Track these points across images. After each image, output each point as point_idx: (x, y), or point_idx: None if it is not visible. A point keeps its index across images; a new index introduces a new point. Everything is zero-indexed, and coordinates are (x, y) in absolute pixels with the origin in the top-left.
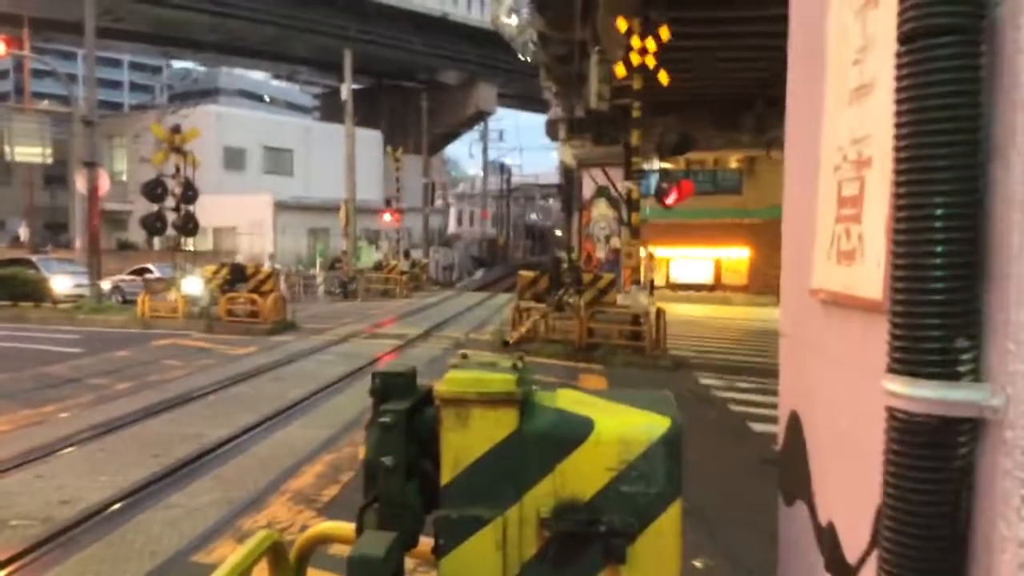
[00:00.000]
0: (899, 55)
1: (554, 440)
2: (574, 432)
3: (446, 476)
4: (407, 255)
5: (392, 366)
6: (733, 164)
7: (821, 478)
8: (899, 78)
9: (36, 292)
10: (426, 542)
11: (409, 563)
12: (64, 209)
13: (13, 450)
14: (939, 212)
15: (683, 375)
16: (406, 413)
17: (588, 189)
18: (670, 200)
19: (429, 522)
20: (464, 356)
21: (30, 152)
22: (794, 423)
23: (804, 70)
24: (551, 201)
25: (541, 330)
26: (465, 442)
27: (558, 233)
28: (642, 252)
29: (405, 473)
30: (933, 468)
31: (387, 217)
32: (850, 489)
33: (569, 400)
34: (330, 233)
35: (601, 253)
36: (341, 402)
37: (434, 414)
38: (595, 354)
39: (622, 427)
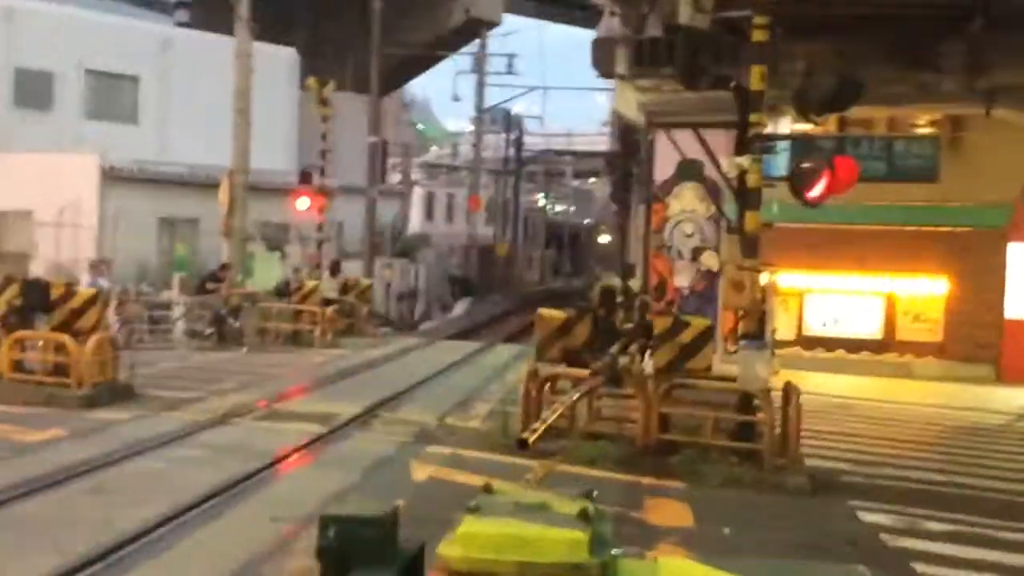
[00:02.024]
0: None
1: None
2: None
3: None
4: (335, 271)
5: (344, 498)
6: (924, 129)
7: None
8: None
9: None
10: None
11: None
12: None
13: None
14: None
15: (829, 505)
16: None
17: (665, 165)
18: (815, 191)
19: None
20: (488, 489)
21: None
22: None
23: None
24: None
25: (579, 417)
26: None
27: (604, 239)
28: (762, 280)
29: None
30: None
31: (303, 203)
32: None
33: None
34: (200, 228)
35: (684, 279)
36: (221, 548)
37: None
38: (672, 461)
39: None
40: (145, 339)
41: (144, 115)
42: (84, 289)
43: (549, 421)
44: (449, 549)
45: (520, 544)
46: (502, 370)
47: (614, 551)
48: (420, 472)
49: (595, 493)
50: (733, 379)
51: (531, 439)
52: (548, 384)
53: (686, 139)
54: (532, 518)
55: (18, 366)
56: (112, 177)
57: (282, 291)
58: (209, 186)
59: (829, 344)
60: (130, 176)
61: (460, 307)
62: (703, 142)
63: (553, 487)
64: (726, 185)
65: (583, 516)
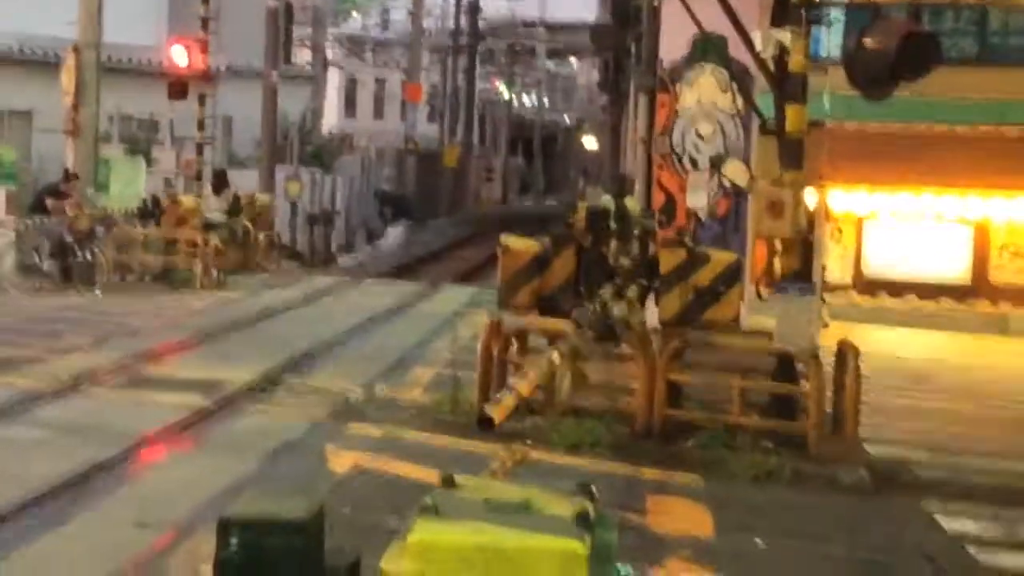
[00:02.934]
0: None
1: None
2: None
3: None
4: (220, 184)
5: (240, 495)
6: None
7: None
8: None
9: None
10: None
11: None
12: None
13: None
14: None
15: (897, 507)
16: None
17: (675, 40)
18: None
19: None
20: (448, 482)
21: None
22: None
23: None
24: (576, 65)
25: (558, 386)
26: None
27: (589, 143)
28: (807, 200)
29: None
30: None
31: (176, 90)
32: None
33: None
34: (33, 124)
35: (701, 198)
36: (66, 565)
37: None
38: (685, 447)
39: None
40: None
41: None
42: None
43: (517, 392)
44: (396, 563)
45: (495, 557)
46: (451, 321)
47: (622, 570)
48: (340, 461)
49: (595, 489)
50: (768, 335)
51: (496, 415)
52: (515, 341)
53: (704, 4)
54: (511, 521)
55: None
56: None
57: (148, 212)
58: (46, 65)
59: (897, 289)
60: None
61: (393, 235)
62: (728, 8)
63: (527, 482)
64: (759, 69)
65: (581, 519)
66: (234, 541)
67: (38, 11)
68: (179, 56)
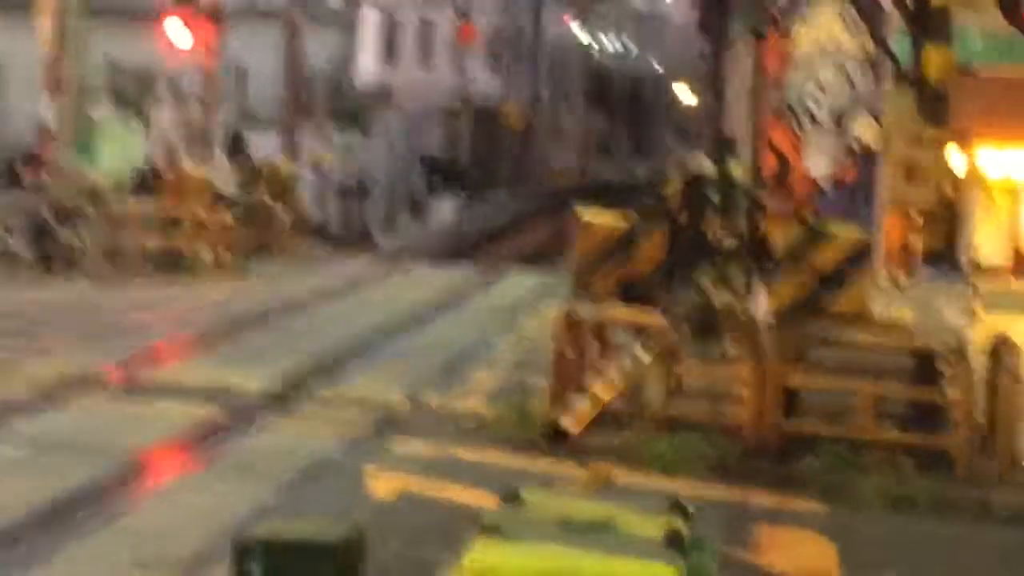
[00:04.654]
0: None
1: None
2: None
3: None
4: (235, 149)
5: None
6: None
7: None
8: None
9: None
10: None
11: None
12: None
13: None
14: None
15: None
16: None
17: None
18: None
19: None
20: (511, 498)
21: None
22: None
23: None
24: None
25: (648, 392)
26: None
27: (685, 97)
28: (953, 163)
29: None
30: None
31: (178, 34)
32: None
33: None
34: (5, 78)
35: (822, 163)
36: None
37: None
38: (803, 467)
39: None
40: None
41: None
42: None
43: (597, 399)
44: None
45: None
46: (516, 314)
47: None
48: (382, 485)
49: (690, 507)
50: (906, 329)
51: (572, 427)
52: (595, 337)
53: None
54: (588, 543)
55: None
56: None
57: (146, 184)
58: (19, 8)
59: None
60: None
61: (443, 209)
62: None
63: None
64: (893, 3)
65: (673, 541)
66: (254, 567)
67: None
68: (178, 37)
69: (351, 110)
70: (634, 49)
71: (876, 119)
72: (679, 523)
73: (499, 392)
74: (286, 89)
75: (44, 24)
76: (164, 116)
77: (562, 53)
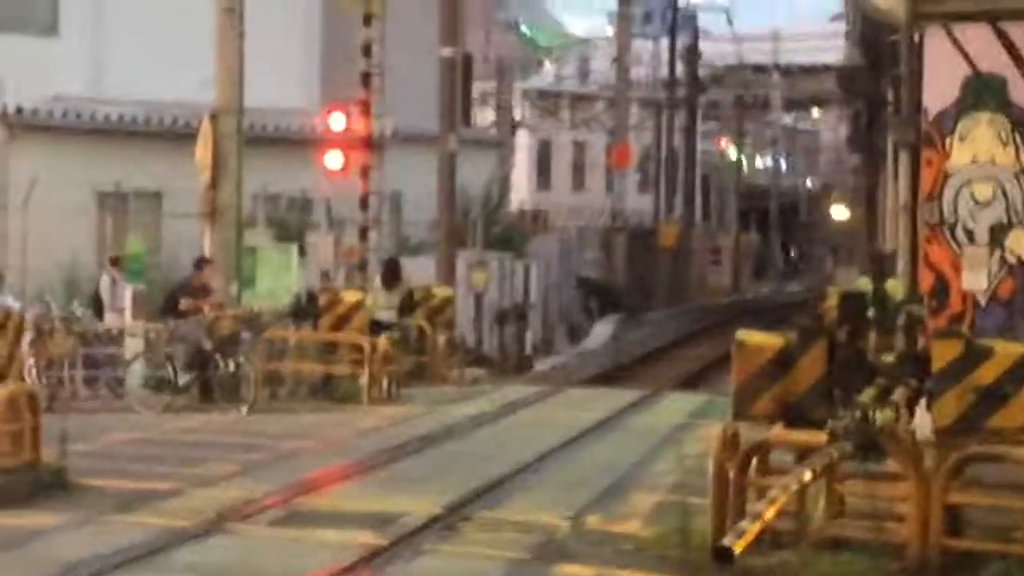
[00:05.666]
0: None
1: None
2: None
3: None
4: (392, 276)
5: None
6: None
7: None
8: None
9: None
10: None
11: None
12: None
13: None
14: None
15: None
16: None
17: (942, 84)
18: None
19: None
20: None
21: None
22: None
23: None
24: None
25: (811, 512)
26: None
27: (839, 213)
28: None
29: None
30: None
31: (335, 161)
32: None
33: None
34: (163, 207)
35: (980, 278)
36: None
37: None
38: None
39: None
40: (81, 393)
41: (67, 24)
42: None
43: (762, 518)
44: None
45: None
46: (674, 436)
47: None
48: None
49: None
50: None
51: (736, 546)
52: (756, 459)
53: (978, 39)
54: None
55: None
56: (19, 126)
57: (304, 310)
58: (178, 137)
59: None
60: (48, 123)
61: (601, 332)
62: (1007, 42)
63: None
64: None
65: None
66: None
67: (166, 71)
68: (337, 121)
69: (506, 234)
70: (785, 167)
71: None
72: None
73: (660, 514)
74: (441, 213)
75: (201, 152)
76: (321, 243)
77: (715, 172)
